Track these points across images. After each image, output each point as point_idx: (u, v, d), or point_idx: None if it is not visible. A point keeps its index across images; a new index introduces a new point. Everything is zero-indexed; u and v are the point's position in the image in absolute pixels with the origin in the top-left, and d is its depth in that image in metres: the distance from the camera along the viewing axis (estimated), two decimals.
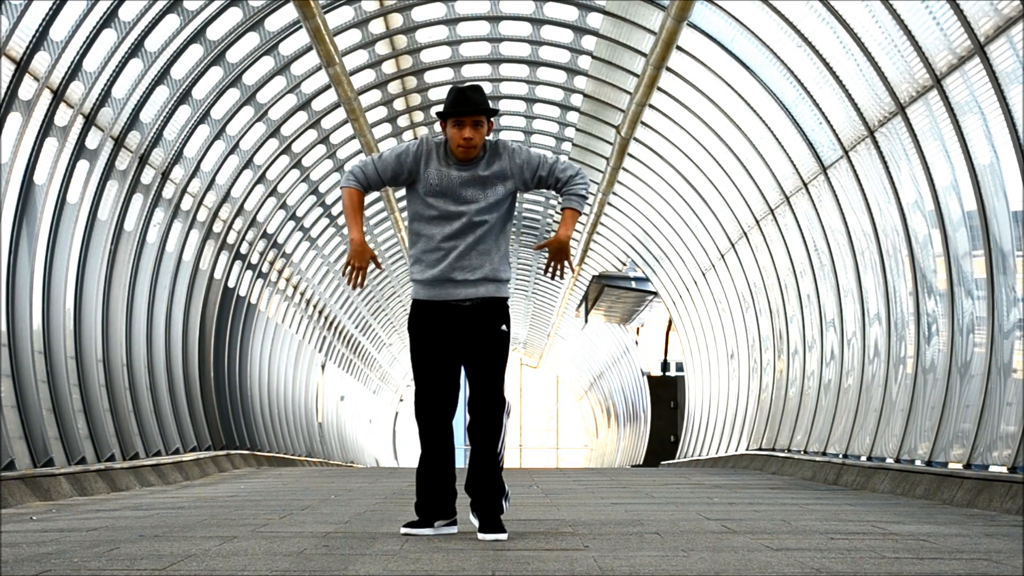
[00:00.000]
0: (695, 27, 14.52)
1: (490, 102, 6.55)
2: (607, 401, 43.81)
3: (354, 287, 6.44)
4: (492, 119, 6.43)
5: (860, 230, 13.97)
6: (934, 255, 11.85)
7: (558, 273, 6.50)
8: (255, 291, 20.90)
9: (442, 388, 6.48)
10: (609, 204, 22.64)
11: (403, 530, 6.63)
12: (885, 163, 12.52)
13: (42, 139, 11.36)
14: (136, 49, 12.53)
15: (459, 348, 6.46)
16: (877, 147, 12.58)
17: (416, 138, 6.62)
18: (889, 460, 12.47)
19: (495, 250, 6.43)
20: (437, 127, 21.23)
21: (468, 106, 6.32)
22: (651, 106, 16.97)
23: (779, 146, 15.39)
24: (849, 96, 12.65)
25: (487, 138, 6.48)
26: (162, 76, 13.50)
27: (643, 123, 17.81)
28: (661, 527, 7.25)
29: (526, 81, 18.72)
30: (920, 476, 10.92)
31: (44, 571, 5.21)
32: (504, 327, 6.46)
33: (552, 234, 22.12)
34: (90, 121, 12.35)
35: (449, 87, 6.56)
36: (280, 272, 22.47)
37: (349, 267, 6.40)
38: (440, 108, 6.46)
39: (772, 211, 17.07)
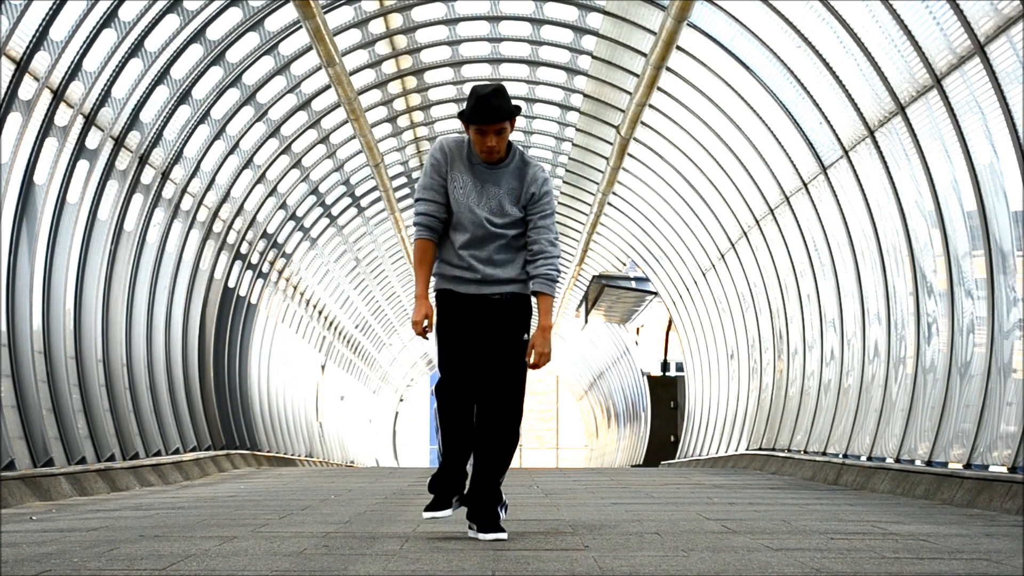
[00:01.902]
0: (695, 27, 14.52)
1: (512, 101, 6.42)
2: (607, 401, 43.80)
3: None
4: (517, 116, 6.36)
5: (860, 230, 13.97)
6: (934, 255, 11.84)
7: (534, 361, 6.35)
8: (255, 291, 20.90)
9: (469, 367, 6.37)
10: (609, 204, 22.63)
11: (425, 515, 6.48)
12: (885, 163, 12.52)
13: (42, 139, 11.36)
14: (136, 49, 12.53)
15: (481, 339, 6.36)
16: (877, 147, 12.57)
17: (433, 145, 6.54)
18: (889, 460, 12.47)
19: (518, 256, 6.41)
20: (438, 128, 21.28)
21: (491, 114, 6.23)
22: (651, 106, 16.97)
23: (779, 146, 15.39)
24: (849, 96, 12.65)
25: (520, 150, 6.43)
26: (162, 76, 13.50)
27: (643, 123, 17.80)
28: (661, 527, 7.25)
29: (526, 81, 18.71)
30: (920, 476, 10.92)
31: (44, 571, 5.21)
32: (526, 336, 6.39)
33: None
34: (90, 121, 12.34)
35: (472, 87, 6.41)
36: (280, 272, 22.47)
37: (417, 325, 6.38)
38: (462, 109, 6.37)
39: (772, 211, 17.07)
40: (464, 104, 6.42)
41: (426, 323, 6.35)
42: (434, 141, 6.55)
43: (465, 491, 6.48)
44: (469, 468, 6.49)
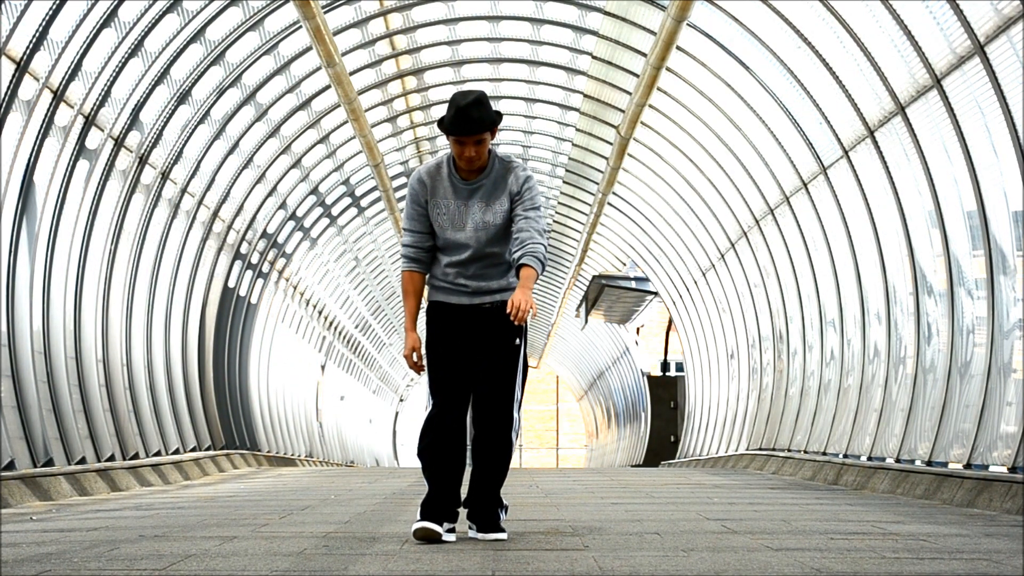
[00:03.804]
0: (695, 27, 14.52)
1: (493, 108, 6.28)
2: (607, 401, 43.80)
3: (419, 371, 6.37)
4: (499, 124, 6.29)
5: (860, 230, 13.97)
6: (934, 255, 11.85)
7: (518, 313, 6.04)
8: (255, 291, 20.91)
9: (459, 378, 6.28)
10: (609, 204, 22.63)
11: (416, 526, 6.19)
12: (885, 163, 12.52)
13: (42, 139, 11.36)
14: (136, 49, 12.53)
15: (474, 348, 6.30)
16: (877, 147, 12.58)
17: (412, 175, 6.44)
18: (889, 460, 12.47)
19: (507, 266, 6.34)
20: (438, 128, 21.22)
21: (470, 127, 6.15)
22: (651, 106, 16.97)
23: (779, 146, 15.39)
24: (849, 96, 12.65)
25: (500, 156, 6.36)
26: (162, 76, 13.50)
27: (643, 123, 17.80)
28: (661, 527, 7.25)
29: (526, 81, 18.71)
30: (920, 476, 10.92)
31: (44, 571, 5.21)
32: (518, 341, 6.29)
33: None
34: (90, 121, 12.35)
35: (452, 94, 6.25)
36: (280, 272, 22.47)
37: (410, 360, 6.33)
38: (442, 115, 6.30)
39: (772, 211, 17.07)
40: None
41: (415, 356, 6.27)
42: (412, 172, 6.39)
43: (457, 520, 6.30)
44: (464, 487, 6.38)
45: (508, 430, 6.31)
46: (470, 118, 6.15)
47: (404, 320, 6.41)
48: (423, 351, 6.33)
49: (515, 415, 6.34)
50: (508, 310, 6.08)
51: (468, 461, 6.42)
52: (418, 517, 6.24)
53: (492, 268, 6.35)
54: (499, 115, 6.26)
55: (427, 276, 6.46)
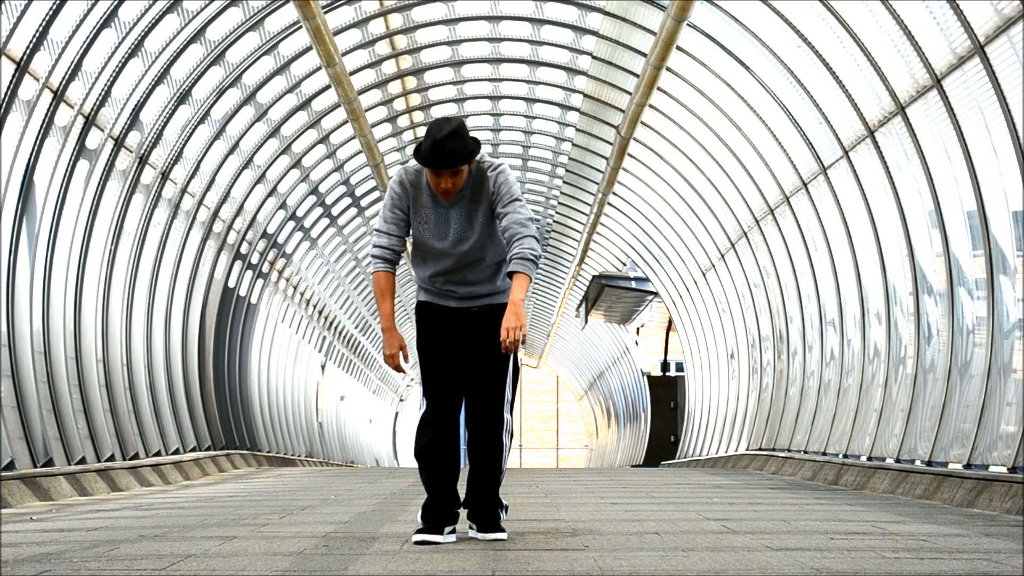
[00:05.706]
0: (695, 27, 14.52)
1: (471, 137, 6.14)
2: (607, 401, 43.81)
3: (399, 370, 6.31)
4: (477, 154, 6.14)
5: (860, 230, 13.97)
6: (934, 255, 11.85)
7: (509, 342, 6.00)
8: (255, 291, 20.91)
9: (451, 379, 6.26)
10: (609, 204, 22.64)
11: (416, 537, 6.24)
12: (885, 163, 12.53)
13: (42, 139, 11.36)
14: (136, 49, 12.53)
15: (465, 350, 6.29)
16: (877, 147, 12.58)
17: (394, 177, 6.36)
18: (889, 460, 12.47)
19: (494, 269, 6.33)
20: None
21: (446, 160, 6.01)
22: (651, 106, 16.97)
23: (779, 146, 15.39)
24: (849, 96, 12.66)
25: (476, 160, 6.23)
26: (162, 76, 13.50)
27: (643, 123, 17.81)
28: (661, 527, 7.25)
29: (526, 81, 18.71)
30: (920, 476, 10.92)
31: (44, 571, 5.21)
32: None
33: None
34: (90, 121, 12.35)
35: (429, 124, 6.03)
36: (280, 272, 22.47)
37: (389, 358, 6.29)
38: (419, 142, 6.15)
39: (772, 211, 17.07)
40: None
41: (400, 355, 6.23)
42: (394, 173, 6.25)
43: (457, 521, 6.30)
44: (460, 489, 6.36)
45: (499, 431, 6.30)
46: (445, 151, 6.01)
47: (387, 321, 6.31)
48: (408, 352, 6.32)
49: (506, 416, 6.33)
50: (501, 338, 6.02)
51: (465, 461, 6.44)
52: (419, 523, 6.26)
53: (479, 273, 6.31)
54: (477, 144, 6.12)
55: (413, 265, 6.44)
